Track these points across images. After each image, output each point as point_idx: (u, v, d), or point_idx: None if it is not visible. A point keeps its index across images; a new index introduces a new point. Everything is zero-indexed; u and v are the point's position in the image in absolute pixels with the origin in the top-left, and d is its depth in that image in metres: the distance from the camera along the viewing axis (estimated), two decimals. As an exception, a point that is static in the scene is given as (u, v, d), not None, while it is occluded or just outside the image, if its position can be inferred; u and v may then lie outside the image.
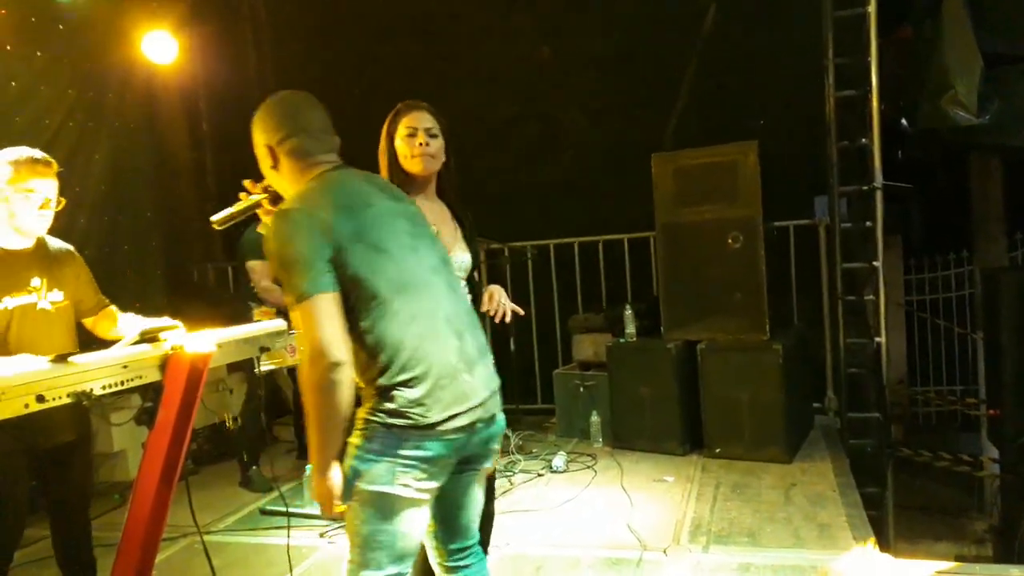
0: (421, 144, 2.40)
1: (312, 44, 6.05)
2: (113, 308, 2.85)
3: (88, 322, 2.77)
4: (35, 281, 2.56)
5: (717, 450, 4.37)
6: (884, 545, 3.40)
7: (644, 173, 4.57)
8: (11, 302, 2.47)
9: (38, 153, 2.58)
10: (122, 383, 2.20)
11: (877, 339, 4.52)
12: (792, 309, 5.11)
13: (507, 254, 5.14)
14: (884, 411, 4.51)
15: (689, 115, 5.22)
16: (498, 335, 2.73)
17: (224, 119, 6.13)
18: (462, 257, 2.45)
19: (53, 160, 2.61)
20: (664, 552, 3.21)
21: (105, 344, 2.49)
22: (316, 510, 3.88)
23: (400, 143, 2.42)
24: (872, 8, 4.38)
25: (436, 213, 2.45)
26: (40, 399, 1.95)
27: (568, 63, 5.53)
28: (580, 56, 5.49)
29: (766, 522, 3.46)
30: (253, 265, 4.49)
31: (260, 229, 4.50)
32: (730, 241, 4.36)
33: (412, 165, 2.42)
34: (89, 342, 2.67)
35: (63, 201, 2.62)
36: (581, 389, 4.96)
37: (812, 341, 4.91)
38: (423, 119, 2.43)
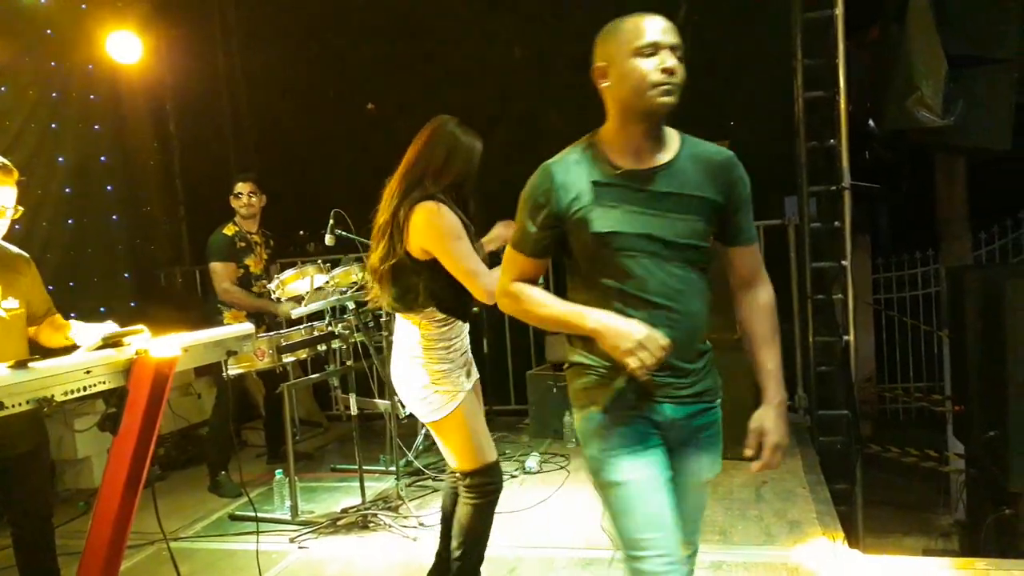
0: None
1: (283, 45, 5.98)
2: (59, 316, 2.79)
3: (31, 331, 2.70)
4: (-9, 288, 2.51)
5: (689, 449, 4.39)
6: (853, 540, 3.44)
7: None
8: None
9: None
10: (85, 388, 2.16)
11: (846, 337, 4.57)
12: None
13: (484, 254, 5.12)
14: (853, 408, 4.56)
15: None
16: (471, 336, 2.74)
17: (192, 121, 6.05)
18: None
19: (13, 167, 2.54)
20: (637, 552, 3.21)
21: (54, 353, 2.44)
22: (287, 515, 3.86)
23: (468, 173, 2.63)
24: (839, 10, 4.44)
25: None
26: (-1, 406, 1.91)
27: (545, 64, 5.53)
28: (557, 56, 5.49)
29: (738, 520, 3.48)
30: (214, 267, 4.42)
31: (226, 231, 4.46)
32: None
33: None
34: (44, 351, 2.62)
35: (20, 209, 2.56)
36: (554, 390, 4.96)
37: (782, 339, 4.95)
38: None
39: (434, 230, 2.45)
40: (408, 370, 2.59)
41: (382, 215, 2.57)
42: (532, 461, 4.41)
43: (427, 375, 2.54)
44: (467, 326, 2.66)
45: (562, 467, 4.41)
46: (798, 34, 4.62)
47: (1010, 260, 6.52)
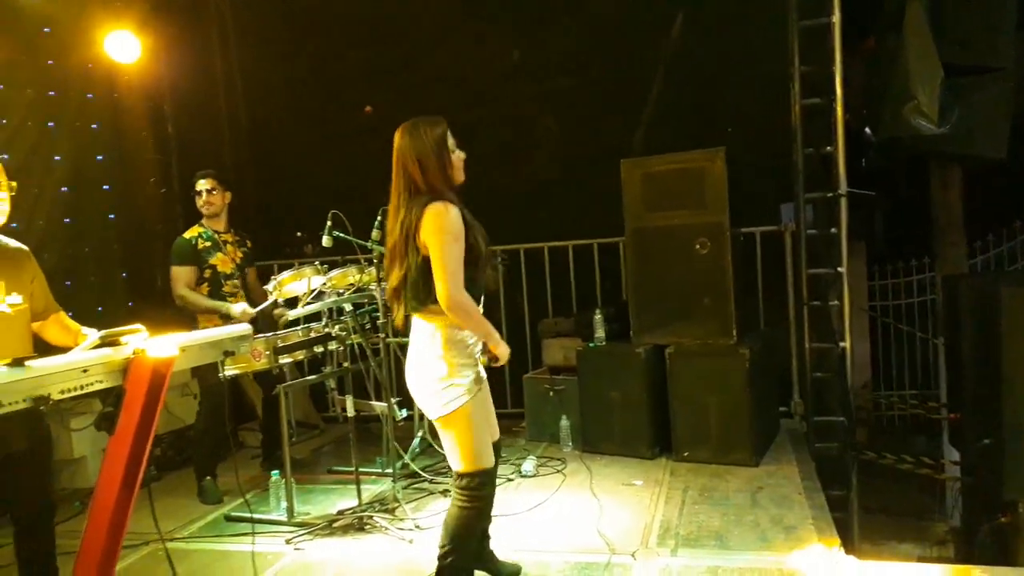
0: (463, 158, 2.74)
1: (279, 46, 5.98)
2: (63, 314, 2.78)
3: (35, 326, 2.70)
4: (-8, 283, 2.50)
5: (685, 454, 4.40)
6: (849, 547, 3.44)
7: (613, 178, 4.59)
8: (-33, 305, 2.41)
9: None
10: (82, 387, 2.15)
11: (842, 344, 4.58)
12: (759, 314, 5.17)
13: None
14: (849, 415, 4.57)
15: (658, 121, 5.26)
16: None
17: (190, 121, 6.03)
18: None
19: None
20: (633, 556, 3.21)
21: (59, 350, 2.44)
22: (283, 516, 3.85)
23: (455, 155, 2.70)
24: (836, 18, 4.45)
25: None
26: (-5, 404, 1.90)
27: (537, 67, 5.54)
28: (549, 61, 5.51)
29: (733, 525, 3.48)
30: (172, 271, 4.37)
31: (187, 234, 4.44)
32: (698, 247, 4.40)
33: (460, 175, 2.73)
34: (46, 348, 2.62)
35: (14, 185, 2.56)
36: (551, 393, 4.96)
37: (778, 346, 4.97)
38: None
39: (435, 226, 2.55)
40: (426, 366, 2.65)
41: (391, 237, 2.67)
42: (529, 465, 4.41)
43: (446, 368, 2.62)
44: None
45: (559, 471, 4.41)
46: (795, 42, 4.64)
47: (1006, 268, 6.55)
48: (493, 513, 2.93)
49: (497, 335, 2.69)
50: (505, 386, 5.42)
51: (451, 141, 2.69)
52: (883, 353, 7.04)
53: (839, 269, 4.56)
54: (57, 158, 5.01)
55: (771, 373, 4.77)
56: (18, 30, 4.72)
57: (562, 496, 4.03)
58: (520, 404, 5.23)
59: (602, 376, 4.63)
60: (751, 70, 5.06)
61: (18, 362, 2.03)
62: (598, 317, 4.73)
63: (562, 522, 3.69)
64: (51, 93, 5.01)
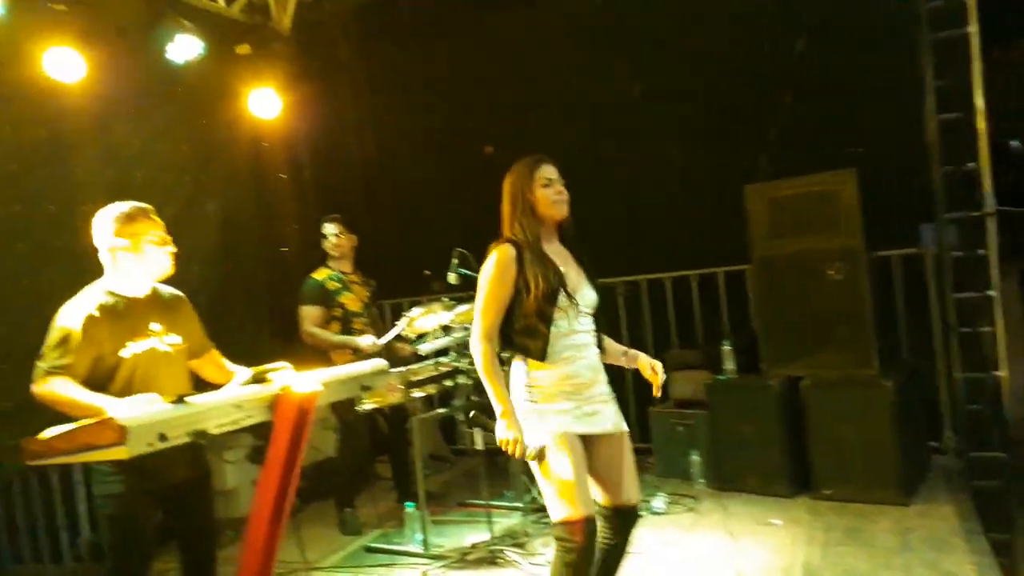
0: (560, 192, 2.67)
1: (406, 93, 6.27)
2: (216, 352, 2.99)
3: (194, 364, 2.91)
4: (154, 325, 2.72)
5: (827, 492, 4.18)
6: (1017, 595, 3.16)
7: (737, 205, 4.50)
8: (135, 346, 2.63)
9: (139, 204, 2.76)
10: (235, 422, 2.30)
11: (997, 373, 4.24)
12: (901, 343, 4.87)
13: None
14: (1009, 450, 4.21)
15: (783, 144, 5.11)
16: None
17: (324, 169, 6.41)
18: (589, 294, 2.67)
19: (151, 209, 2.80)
20: (773, 598, 3.08)
21: (212, 387, 2.62)
22: (418, 548, 3.94)
23: (540, 192, 2.66)
24: (974, 28, 4.21)
25: (562, 255, 2.69)
26: (162, 438, 2.07)
27: (657, 96, 5.51)
28: (670, 89, 5.48)
29: (882, 568, 3.28)
30: (301, 310, 4.65)
31: (316, 275, 4.69)
32: (831, 272, 4.22)
33: (556, 210, 2.67)
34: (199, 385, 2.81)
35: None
36: (679, 428, 4.85)
37: (925, 376, 4.66)
38: (554, 171, 2.70)
39: (481, 272, 2.64)
40: (515, 405, 2.63)
41: None
42: (659, 501, 4.32)
43: (526, 408, 2.58)
44: (584, 371, 2.61)
45: (691, 509, 4.30)
46: (929, 55, 4.41)
47: None
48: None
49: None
50: (631, 420, 5.34)
51: (544, 176, 2.67)
52: (1047, 382, 6.45)
53: (989, 293, 4.25)
54: (208, 209, 5.43)
55: (918, 405, 4.48)
56: (175, 93, 5.19)
57: (696, 535, 3.92)
58: (646, 439, 5.14)
59: (733, 410, 4.49)
60: (882, 86, 4.84)
61: (180, 399, 2.21)
62: (727, 348, 4.61)
63: (697, 562, 3.58)
64: (202, 149, 5.46)
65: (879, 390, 4.05)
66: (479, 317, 2.60)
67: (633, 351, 2.91)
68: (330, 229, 4.77)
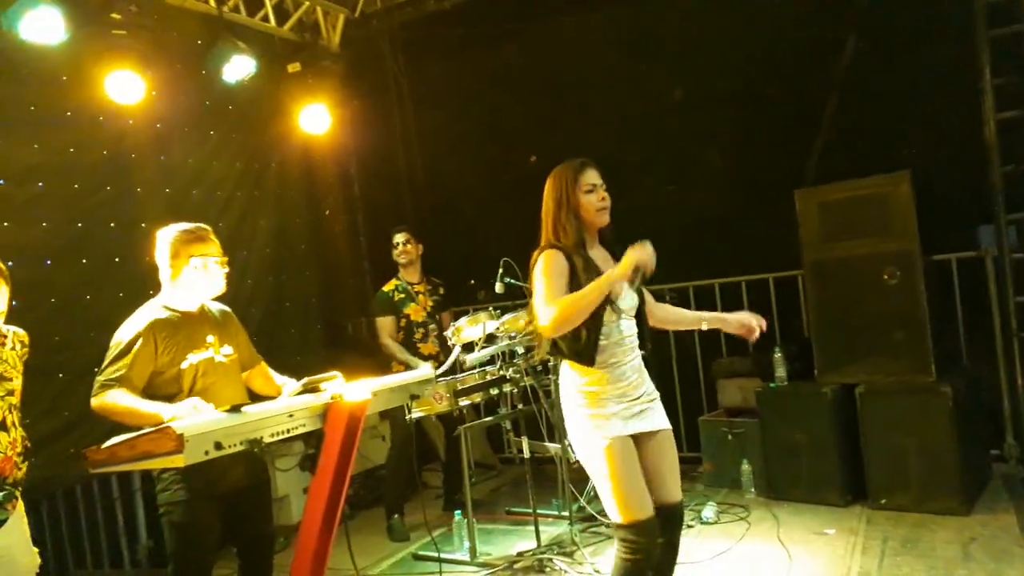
0: (603, 198, 2.65)
1: (451, 106, 6.34)
2: (264, 364, 3.08)
3: (243, 376, 3.00)
4: (209, 338, 2.82)
5: (883, 501, 4.09)
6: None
7: (786, 210, 4.43)
8: (194, 357, 2.73)
9: (199, 224, 2.86)
10: (288, 431, 2.36)
11: (1062, 378, 4.10)
12: (960, 348, 4.73)
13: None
14: (1076, 458, 4.06)
15: (832, 148, 5.03)
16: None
17: (373, 183, 6.53)
18: (630, 298, 2.65)
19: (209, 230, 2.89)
20: (827, 610, 3.02)
21: (263, 397, 2.69)
22: (466, 556, 3.97)
23: (584, 197, 2.63)
24: (1033, 23, 4.09)
25: (603, 259, 2.67)
26: (218, 446, 2.14)
27: (700, 101, 5.47)
28: (713, 93, 5.43)
29: (942, 580, 3.19)
30: (377, 322, 4.80)
31: (386, 287, 4.78)
32: (886, 277, 4.13)
33: (599, 217, 2.66)
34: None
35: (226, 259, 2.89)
36: (729, 436, 4.79)
37: (985, 382, 4.52)
38: (597, 176, 2.67)
39: (534, 273, 2.59)
40: (567, 411, 2.65)
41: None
42: (709, 511, 4.27)
43: (579, 414, 2.58)
44: (631, 374, 2.62)
45: (742, 518, 4.24)
46: (985, 52, 4.30)
47: None
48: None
49: (610, 274, 2.46)
50: (680, 429, 5.29)
51: (588, 182, 2.63)
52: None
53: (1053, 296, 4.11)
54: (261, 223, 5.58)
55: (978, 412, 4.35)
56: (229, 112, 5.35)
57: (747, 545, 3.86)
58: (696, 448, 5.09)
59: (785, 418, 4.42)
60: (935, 86, 4.73)
61: (236, 408, 2.28)
62: (778, 355, 4.54)
63: (749, 573, 3.53)
64: (256, 165, 5.60)
65: (937, 397, 3.95)
66: (542, 299, 2.49)
67: (709, 313, 2.92)
68: (398, 238, 4.92)
